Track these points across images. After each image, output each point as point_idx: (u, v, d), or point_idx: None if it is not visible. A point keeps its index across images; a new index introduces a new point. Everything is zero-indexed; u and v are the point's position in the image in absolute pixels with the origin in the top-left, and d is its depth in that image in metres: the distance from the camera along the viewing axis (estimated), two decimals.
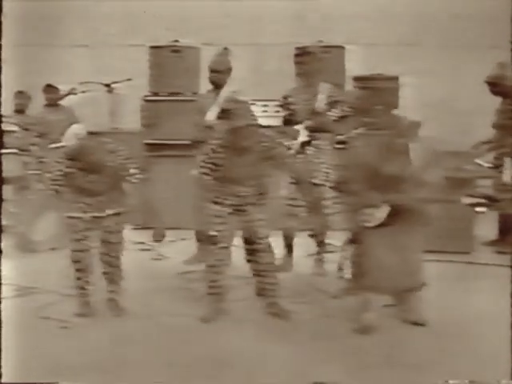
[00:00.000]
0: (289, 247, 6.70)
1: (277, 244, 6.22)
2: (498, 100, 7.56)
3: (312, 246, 6.71)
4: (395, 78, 8.66)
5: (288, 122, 6.58)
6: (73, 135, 5.29)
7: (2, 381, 4.28)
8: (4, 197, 7.31)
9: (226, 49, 6.74)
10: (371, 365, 4.59)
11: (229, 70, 6.68)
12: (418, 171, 5.00)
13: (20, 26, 9.71)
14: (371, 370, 4.51)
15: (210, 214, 5.40)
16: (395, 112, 5.18)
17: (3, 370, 4.35)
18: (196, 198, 6.59)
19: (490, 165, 7.44)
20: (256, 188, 5.40)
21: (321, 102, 6.42)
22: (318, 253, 6.67)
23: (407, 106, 7.57)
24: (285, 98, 6.59)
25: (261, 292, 5.50)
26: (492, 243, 7.45)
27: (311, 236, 6.65)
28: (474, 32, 9.65)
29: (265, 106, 8.15)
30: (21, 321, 5.16)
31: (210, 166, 5.35)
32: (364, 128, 8.49)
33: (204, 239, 6.58)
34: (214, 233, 5.34)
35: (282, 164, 5.57)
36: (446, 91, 9.76)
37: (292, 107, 6.51)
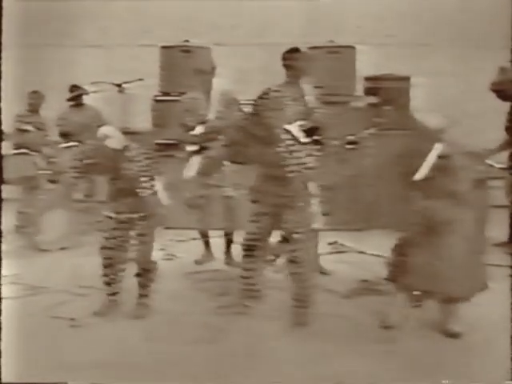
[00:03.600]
0: None
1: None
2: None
3: (323, 246, 6.71)
4: (406, 79, 8.66)
5: None
6: (103, 135, 5.30)
7: (7, 381, 4.29)
8: (14, 197, 7.37)
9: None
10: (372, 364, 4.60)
11: (213, 70, 6.71)
12: (445, 179, 4.98)
13: (31, 26, 9.79)
14: (371, 370, 4.51)
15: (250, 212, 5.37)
16: (416, 115, 5.14)
17: (11, 370, 4.36)
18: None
19: (502, 165, 7.41)
20: (292, 189, 5.29)
21: (311, 103, 6.37)
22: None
23: (418, 106, 7.61)
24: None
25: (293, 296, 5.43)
26: (503, 244, 7.42)
27: None
28: (485, 32, 9.62)
29: None
30: (31, 320, 5.19)
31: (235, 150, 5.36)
32: (375, 128, 8.50)
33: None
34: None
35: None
36: (457, 91, 9.74)
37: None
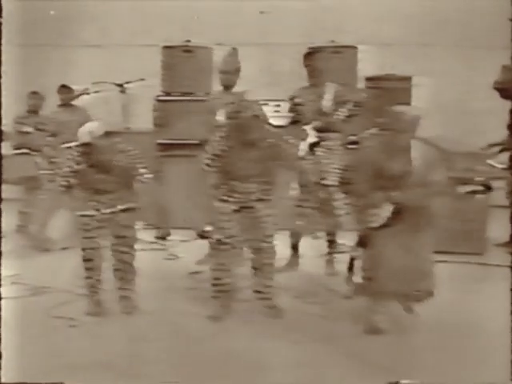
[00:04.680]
0: (295, 247, 6.71)
1: (284, 243, 6.27)
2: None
3: (323, 246, 6.70)
4: (408, 78, 8.65)
5: (295, 123, 6.57)
6: (86, 132, 5.28)
7: (7, 381, 4.29)
8: (16, 197, 7.38)
9: (234, 49, 6.76)
10: (374, 366, 4.59)
11: (237, 71, 6.71)
12: (421, 171, 4.96)
13: (33, 26, 9.79)
14: (373, 371, 4.51)
15: (216, 211, 5.37)
16: (397, 108, 5.13)
17: (11, 370, 4.36)
18: (205, 196, 6.64)
19: (503, 166, 7.40)
20: (263, 184, 5.35)
21: (327, 101, 6.40)
22: (329, 253, 6.66)
23: (419, 106, 7.60)
24: (291, 98, 6.57)
25: (257, 290, 5.48)
26: (504, 245, 7.41)
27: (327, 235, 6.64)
28: (487, 32, 9.60)
29: (277, 105, 8.14)
30: (32, 320, 5.20)
31: (213, 157, 5.34)
32: (376, 128, 8.49)
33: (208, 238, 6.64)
34: (217, 231, 5.34)
35: (287, 162, 5.47)
36: (458, 91, 9.74)
37: (299, 108, 6.49)
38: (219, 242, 5.34)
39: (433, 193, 4.95)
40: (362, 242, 5.13)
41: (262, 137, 5.29)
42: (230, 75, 6.67)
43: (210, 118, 6.61)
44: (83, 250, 5.42)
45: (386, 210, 4.94)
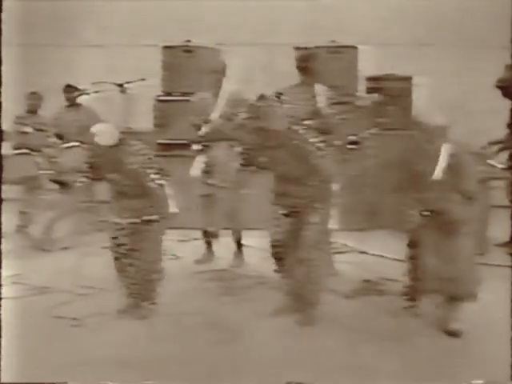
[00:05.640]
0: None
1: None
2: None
3: None
4: (408, 78, 8.66)
5: None
6: (92, 134, 5.26)
7: (7, 381, 4.29)
8: (16, 197, 7.38)
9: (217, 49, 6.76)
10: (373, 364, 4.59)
11: (223, 70, 6.72)
12: (451, 176, 4.97)
13: (33, 26, 9.80)
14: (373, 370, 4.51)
15: (271, 216, 5.29)
16: (418, 116, 5.14)
17: (11, 370, 4.36)
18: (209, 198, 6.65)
19: (503, 165, 7.40)
20: (311, 189, 5.18)
21: (322, 103, 6.37)
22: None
23: (420, 106, 7.60)
24: (277, 95, 6.50)
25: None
26: (504, 245, 7.41)
27: None
28: (487, 31, 9.62)
29: None
30: (32, 320, 5.19)
31: (248, 156, 5.34)
32: (377, 128, 8.50)
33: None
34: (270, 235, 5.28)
35: (310, 163, 5.25)
36: (459, 91, 9.74)
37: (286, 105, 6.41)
38: (273, 245, 5.30)
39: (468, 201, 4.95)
40: (412, 243, 5.13)
41: (286, 140, 5.19)
42: (218, 75, 6.69)
43: (198, 118, 6.64)
44: (111, 251, 5.37)
45: (418, 214, 4.97)
